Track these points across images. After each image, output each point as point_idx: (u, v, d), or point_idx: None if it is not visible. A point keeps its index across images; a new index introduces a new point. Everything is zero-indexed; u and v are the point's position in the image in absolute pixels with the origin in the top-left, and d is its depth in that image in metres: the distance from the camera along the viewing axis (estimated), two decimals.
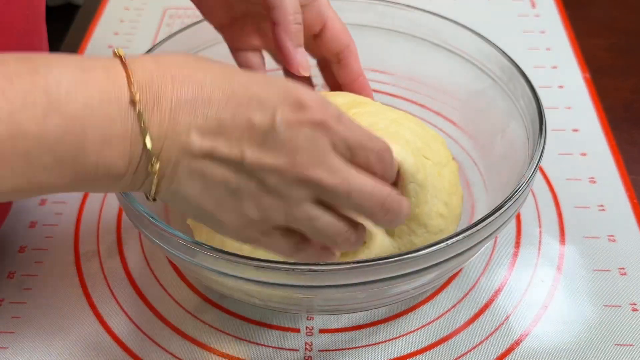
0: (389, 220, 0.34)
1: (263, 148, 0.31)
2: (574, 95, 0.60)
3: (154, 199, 0.33)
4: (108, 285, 0.46)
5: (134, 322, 0.44)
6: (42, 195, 0.31)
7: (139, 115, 0.29)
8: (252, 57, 0.47)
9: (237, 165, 0.31)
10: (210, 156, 0.31)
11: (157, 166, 0.30)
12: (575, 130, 0.57)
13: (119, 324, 0.44)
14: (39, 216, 0.51)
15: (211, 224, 0.34)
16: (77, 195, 0.52)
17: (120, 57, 0.30)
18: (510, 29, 0.68)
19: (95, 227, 0.50)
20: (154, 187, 0.31)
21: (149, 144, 0.30)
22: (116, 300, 0.45)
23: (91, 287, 0.46)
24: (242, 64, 0.47)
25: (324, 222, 0.33)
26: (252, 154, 0.31)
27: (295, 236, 0.34)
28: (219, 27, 0.47)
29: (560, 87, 0.61)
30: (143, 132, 0.30)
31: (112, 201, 0.52)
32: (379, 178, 0.33)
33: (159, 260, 0.48)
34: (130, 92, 0.29)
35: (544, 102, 0.58)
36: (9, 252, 0.49)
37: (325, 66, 0.49)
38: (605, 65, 0.64)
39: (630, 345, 0.42)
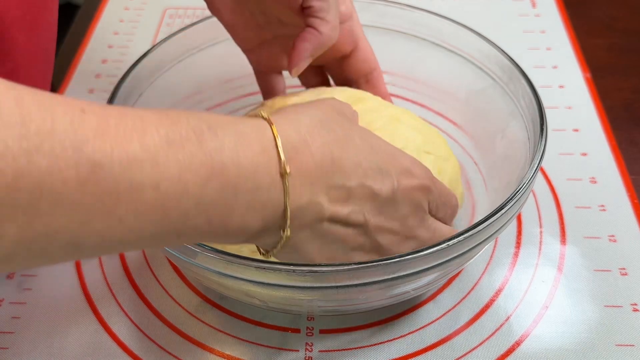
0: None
1: (382, 213, 0.35)
2: (575, 95, 0.60)
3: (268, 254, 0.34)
4: (108, 286, 0.46)
5: (134, 322, 0.44)
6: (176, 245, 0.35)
7: (285, 187, 0.31)
8: (276, 82, 0.49)
9: (360, 228, 0.35)
10: (337, 221, 0.34)
11: (289, 231, 0.32)
12: (576, 130, 0.57)
13: (119, 324, 0.44)
14: None
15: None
16: None
17: (268, 121, 0.32)
18: (511, 28, 0.68)
19: None
20: (279, 247, 0.33)
21: (288, 214, 0.32)
22: (116, 300, 0.45)
23: (91, 287, 0.46)
24: (266, 88, 0.49)
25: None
26: (373, 219, 0.35)
27: None
28: (247, 50, 0.48)
29: (561, 87, 0.61)
30: (285, 201, 0.31)
31: None
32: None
33: (159, 261, 0.48)
34: (280, 164, 0.31)
35: (545, 102, 0.58)
36: None
37: (332, 65, 0.49)
38: (606, 65, 0.64)
39: (631, 345, 0.42)
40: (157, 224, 0.28)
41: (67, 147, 0.24)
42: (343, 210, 0.33)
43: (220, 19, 0.47)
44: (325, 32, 0.42)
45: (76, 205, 0.25)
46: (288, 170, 0.31)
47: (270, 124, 0.32)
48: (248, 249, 0.39)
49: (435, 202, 0.38)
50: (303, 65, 0.43)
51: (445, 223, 0.39)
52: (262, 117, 0.32)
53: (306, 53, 0.43)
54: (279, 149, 0.31)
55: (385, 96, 0.49)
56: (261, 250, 0.35)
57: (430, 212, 0.38)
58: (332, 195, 0.33)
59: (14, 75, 0.41)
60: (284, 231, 0.32)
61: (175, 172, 0.27)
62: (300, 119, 0.33)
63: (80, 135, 0.25)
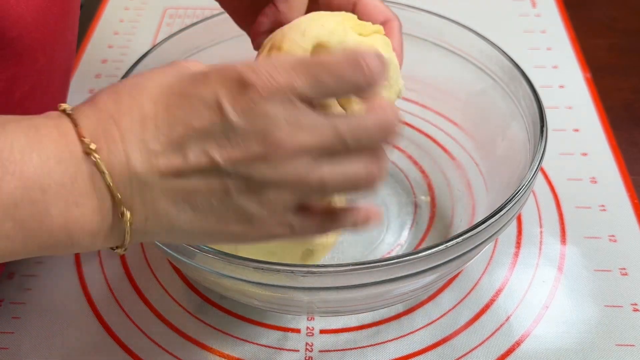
0: (392, 132, 0.30)
1: (230, 143, 0.28)
2: (575, 95, 0.60)
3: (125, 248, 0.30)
4: (108, 286, 0.46)
5: (134, 322, 0.44)
6: (5, 261, 0.30)
7: (97, 165, 0.28)
8: None
9: (214, 171, 0.28)
10: (181, 174, 0.28)
11: (128, 214, 0.28)
12: (576, 130, 0.57)
13: (119, 324, 0.44)
14: None
15: (227, 240, 0.32)
16: None
17: (64, 111, 0.29)
18: (511, 29, 0.68)
19: None
20: (128, 230, 0.29)
21: (116, 193, 0.28)
22: (116, 300, 0.45)
23: (91, 287, 0.46)
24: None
25: (338, 175, 0.29)
26: (221, 154, 0.28)
27: (317, 210, 0.31)
28: (245, 27, 0.45)
29: (561, 87, 0.61)
30: (105, 180, 0.28)
31: None
32: (360, 89, 0.29)
33: (159, 261, 0.48)
34: (82, 142, 0.28)
35: (545, 102, 0.58)
36: None
37: None
38: (606, 65, 0.64)
39: (631, 345, 0.42)
40: None
41: None
42: (177, 159, 0.28)
43: None
44: (283, 10, 0.39)
45: None
46: (92, 147, 0.28)
47: (65, 109, 0.29)
48: (245, 250, 0.38)
49: (309, 87, 0.28)
50: (261, 40, 0.40)
51: (356, 90, 0.29)
52: (59, 109, 0.29)
53: (263, 28, 0.40)
54: (79, 127, 0.28)
55: (398, 55, 0.41)
56: (119, 247, 0.30)
57: (316, 99, 0.29)
58: (157, 150, 0.28)
59: (31, 95, 0.40)
60: (122, 214, 0.28)
61: None
62: (93, 98, 0.30)
63: None
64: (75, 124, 0.28)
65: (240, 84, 0.28)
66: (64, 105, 0.30)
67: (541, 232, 0.49)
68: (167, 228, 0.30)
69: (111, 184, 0.28)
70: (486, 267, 0.46)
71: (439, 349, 0.42)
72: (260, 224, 0.30)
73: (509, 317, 0.44)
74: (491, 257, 0.47)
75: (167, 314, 0.44)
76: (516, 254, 0.47)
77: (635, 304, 0.44)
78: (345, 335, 0.43)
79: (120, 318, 0.44)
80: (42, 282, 0.46)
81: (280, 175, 0.28)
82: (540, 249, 0.48)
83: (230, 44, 0.49)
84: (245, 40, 0.44)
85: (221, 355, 0.42)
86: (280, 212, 0.30)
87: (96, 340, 0.43)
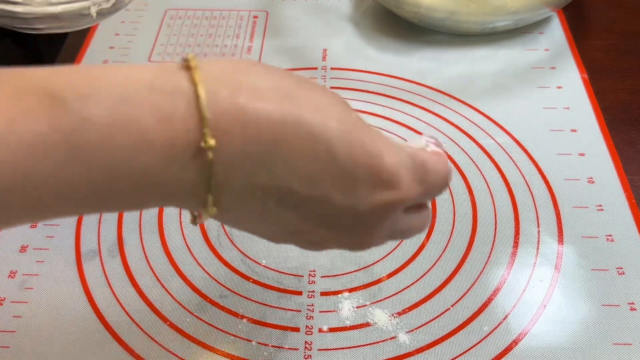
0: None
1: (334, 222, 0.29)
2: (573, 96, 0.60)
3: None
4: (109, 285, 0.46)
5: (134, 322, 0.44)
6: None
7: (209, 166, 0.25)
8: None
9: (299, 229, 0.29)
10: (273, 216, 0.28)
11: (211, 207, 0.27)
12: (574, 130, 0.57)
13: (120, 323, 0.44)
14: None
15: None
16: None
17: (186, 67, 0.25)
18: (510, 30, 0.68)
19: (97, 227, 0.50)
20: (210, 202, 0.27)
21: (210, 201, 0.26)
22: (117, 299, 0.45)
23: (92, 286, 0.46)
24: None
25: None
26: (319, 228, 0.29)
27: None
28: None
29: (559, 87, 0.61)
30: (208, 182, 0.26)
31: None
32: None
33: (160, 260, 0.48)
34: (203, 130, 0.24)
35: (543, 103, 0.58)
36: (10, 251, 0.49)
37: None
38: (604, 66, 0.64)
39: (628, 344, 0.42)
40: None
41: None
42: (279, 209, 0.27)
43: None
44: None
45: None
46: (212, 143, 0.24)
47: (194, 80, 0.25)
48: None
49: (419, 200, 0.31)
50: None
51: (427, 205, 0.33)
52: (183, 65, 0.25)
53: None
54: (202, 106, 0.24)
55: None
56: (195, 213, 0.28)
57: (406, 208, 0.31)
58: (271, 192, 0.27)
59: None
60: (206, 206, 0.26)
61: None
62: (240, 77, 0.26)
63: None
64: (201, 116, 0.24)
65: (389, 183, 0.28)
66: (193, 63, 0.25)
67: (539, 231, 0.49)
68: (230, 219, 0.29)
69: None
70: (484, 267, 0.47)
71: (437, 347, 0.42)
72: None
73: (506, 316, 0.44)
74: (489, 256, 0.47)
75: (168, 313, 0.45)
76: (514, 254, 0.48)
77: (633, 303, 0.44)
78: (344, 333, 0.43)
79: (121, 317, 0.44)
80: (43, 281, 0.47)
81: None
82: (537, 249, 0.48)
83: None
84: None
85: (222, 354, 0.42)
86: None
87: (97, 339, 0.43)
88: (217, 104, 0.25)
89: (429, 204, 0.34)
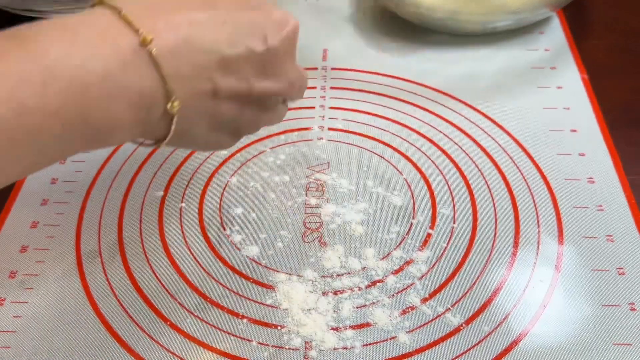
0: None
1: (265, 74, 0.35)
2: (573, 96, 0.60)
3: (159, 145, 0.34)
4: (109, 285, 0.46)
5: (135, 322, 0.44)
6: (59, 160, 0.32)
7: (154, 60, 0.30)
8: None
9: (245, 97, 0.35)
10: (221, 95, 0.34)
11: (177, 106, 0.32)
12: (574, 130, 0.57)
13: (121, 323, 0.44)
14: (40, 216, 0.51)
15: (199, 149, 0.41)
16: (79, 195, 0.53)
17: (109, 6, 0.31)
18: (510, 30, 0.68)
19: (97, 227, 0.50)
20: (173, 127, 0.33)
21: (169, 87, 0.31)
22: (117, 299, 0.45)
23: (92, 286, 0.46)
24: None
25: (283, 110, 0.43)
26: (258, 83, 0.35)
27: None
28: None
29: (559, 87, 0.61)
30: (159, 72, 0.30)
31: (114, 202, 0.52)
32: None
33: (160, 260, 0.48)
34: (138, 34, 0.29)
35: (543, 103, 0.58)
36: (10, 251, 0.49)
37: None
38: (604, 66, 0.64)
39: (628, 344, 0.42)
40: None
41: None
42: (226, 82, 0.33)
43: None
44: None
45: None
46: (149, 37, 0.30)
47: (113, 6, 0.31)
48: None
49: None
50: None
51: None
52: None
53: None
54: (132, 23, 0.30)
55: None
56: (157, 144, 0.34)
57: None
58: (211, 67, 0.33)
59: None
60: (172, 106, 0.31)
61: (4, 92, 0.27)
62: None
63: None
64: (129, 22, 0.30)
65: (281, 22, 0.36)
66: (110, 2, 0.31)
67: (539, 231, 0.49)
68: (180, 133, 0.34)
69: (167, 80, 0.31)
70: (484, 267, 0.47)
71: (437, 348, 0.42)
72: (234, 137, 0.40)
73: (506, 317, 0.44)
74: (489, 256, 0.47)
75: (168, 313, 0.45)
76: (514, 254, 0.48)
77: (633, 304, 0.44)
78: (344, 334, 0.43)
79: (122, 317, 0.44)
80: (44, 281, 0.47)
81: (274, 106, 0.40)
82: (537, 249, 0.48)
83: None
84: None
85: (222, 354, 0.42)
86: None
87: (97, 339, 0.43)
88: (137, 14, 0.30)
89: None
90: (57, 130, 0.29)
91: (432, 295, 0.45)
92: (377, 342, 0.43)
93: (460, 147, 0.56)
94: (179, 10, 0.32)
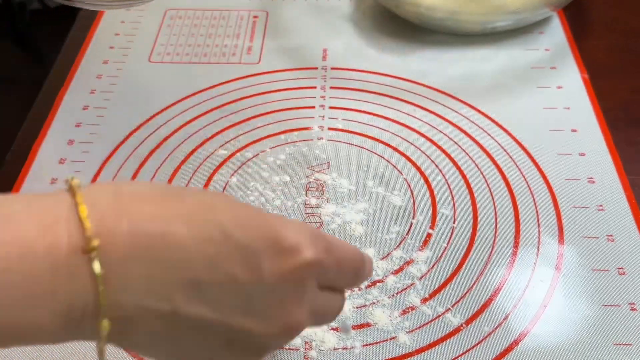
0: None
1: (248, 311, 0.27)
2: (573, 96, 0.60)
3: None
4: None
5: None
6: None
7: (90, 269, 0.24)
8: None
9: (216, 331, 0.27)
10: (181, 321, 0.26)
11: (106, 328, 0.26)
12: (574, 130, 0.57)
13: None
14: None
15: None
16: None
17: (70, 188, 0.26)
18: (509, 30, 0.68)
19: None
20: (99, 346, 0.27)
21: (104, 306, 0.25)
22: None
23: None
24: None
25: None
26: (235, 319, 0.27)
27: None
28: None
29: (559, 87, 0.61)
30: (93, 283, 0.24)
31: None
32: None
33: None
34: (85, 237, 0.24)
35: (543, 103, 0.58)
36: None
37: None
38: (604, 66, 0.64)
39: (629, 345, 0.42)
40: None
41: None
42: (193, 306, 0.26)
43: None
44: None
45: None
46: (95, 243, 0.24)
47: (73, 190, 0.25)
48: None
49: (330, 274, 0.30)
50: None
51: (342, 289, 0.33)
52: (67, 183, 0.26)
53: None
54: (82, 218, 0.24)
55: None
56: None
57: (320, 286, 0.30)
58: (171, 283, 0.25)
59: None
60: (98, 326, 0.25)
61: None
62: (119, 185, 0.27)
63: None
64: (80, 216, 0.25)
65: (288, 249, 0.28)
66: (74, 182, 0.26)
67: (539, 231, 0.49)
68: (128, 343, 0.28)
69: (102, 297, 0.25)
70: (484, 267, 0.47)
71: (437, 348, 0.42)
72: None
73: (507, 316, 0.44)
74: (489, 256, 0.47)
75: None
76: (514, 254, 0.48)
77: (633, 304, 0.44)
78: (342, 334, 0.43)
79: None
80: None
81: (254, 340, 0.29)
82: (538, 249, 0.48)
83: None
84: None
85: None
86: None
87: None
88: (98, 207, 0.25)
89: (344, 293, 0.34)
90: None
91: (432, 295, 0.45)
92: (377, 342, 0.43)
93: (460, 147, 0.56)
94: (160, 205, 0.26)
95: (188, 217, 0.26)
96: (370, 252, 0.48)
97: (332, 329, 0.43)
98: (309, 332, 0.43)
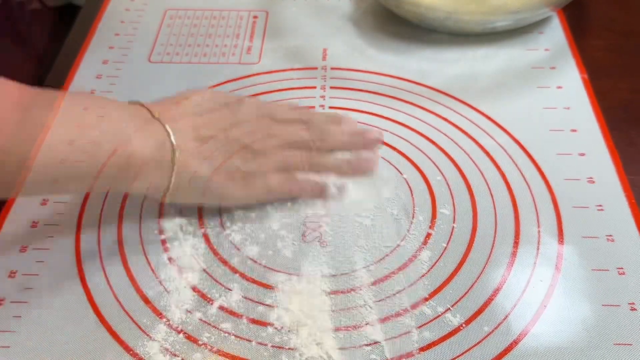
0: None
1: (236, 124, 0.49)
2: (573, 96, 0.60)
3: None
4: (109, 285, 0.46)
5: (134, 321, 0.44)
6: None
7: (165, 128, 0.46)
8: None
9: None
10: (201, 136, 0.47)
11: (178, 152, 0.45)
12: (574, 130, 0.57)
13: (121, 323, 0.44)
14: (40, 216, 0.51)
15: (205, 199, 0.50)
16: (79, 196, 0.53)
17: (145, 107, 0.47)
18: (509, 30, 0.68)
19: (97, 227, 0.50)
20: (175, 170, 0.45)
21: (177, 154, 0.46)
22: (117, 299, 0.45)
23: (92, 286, 0.46)
24: None
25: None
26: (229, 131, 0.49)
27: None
28: None
29: (559, 87, 0.61)
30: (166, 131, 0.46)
31: (114, 202, 0.52)
32: None
33: (160, 260, 0.48)
34: (164, 127, 0.46)
35: (543, 103, 0.58)
36: (10, 251, 0.49)
37: None
38: (604, 66, 0.64)
39: (629, 344, 0.42)
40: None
41: None
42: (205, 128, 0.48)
43: None
44: None
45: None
46: (157, 115, 0.46)
47: (146, 107, 0.46)
48: None
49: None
50: None
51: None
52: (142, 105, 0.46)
53: None
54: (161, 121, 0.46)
55: None
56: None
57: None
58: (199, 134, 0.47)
59: None
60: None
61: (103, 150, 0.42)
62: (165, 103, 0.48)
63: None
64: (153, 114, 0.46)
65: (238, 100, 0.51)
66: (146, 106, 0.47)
67: (539, 231, 0.49)
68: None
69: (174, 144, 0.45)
70: (484, 267, 0.47)
71: (437, 348, 0.42)
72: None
73: (507, 316, 0.44)
74: (489, 256, 0.47)
75: (168, 313, 0.45)
76: (514, 254, 0.48)
77: (633, 303, 0.44)
78: (342, 334, 0.43)
79: (121, 317, 0.44)
80: (43, 282, 0.47)
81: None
82: (538, 249, 0.48)
83: None
84: None
85: (221, 353, 0.42)
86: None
87: (97, 339, 0.43)
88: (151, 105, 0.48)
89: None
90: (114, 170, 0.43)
91: (432, 295, 0.45)
92: (375, 343, 0.43)
93: (460, 147, 0.56)
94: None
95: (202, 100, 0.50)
96: (369, 252, 0.48)
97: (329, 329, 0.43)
98: (309, 332, 0.43)
